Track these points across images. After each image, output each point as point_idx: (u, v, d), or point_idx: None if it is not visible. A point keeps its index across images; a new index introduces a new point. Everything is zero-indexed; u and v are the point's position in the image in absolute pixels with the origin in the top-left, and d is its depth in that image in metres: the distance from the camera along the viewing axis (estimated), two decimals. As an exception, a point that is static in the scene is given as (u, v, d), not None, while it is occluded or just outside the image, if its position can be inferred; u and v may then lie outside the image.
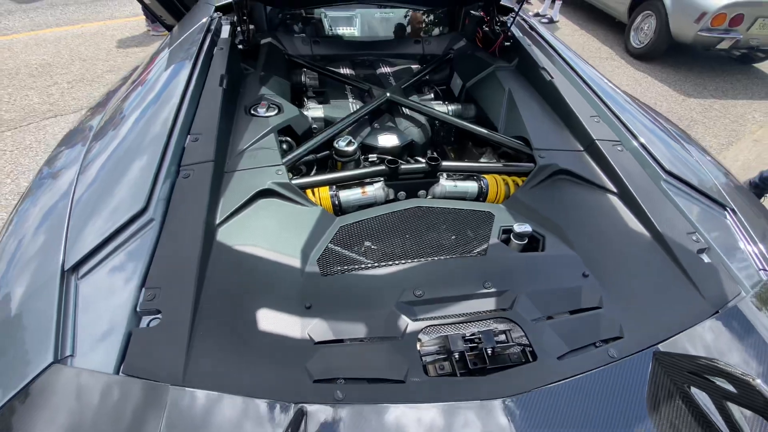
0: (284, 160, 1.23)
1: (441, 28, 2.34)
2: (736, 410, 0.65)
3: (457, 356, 0.81)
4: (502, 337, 0.85)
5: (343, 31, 2.22)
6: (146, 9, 2.47)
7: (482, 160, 1.63)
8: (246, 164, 1.18)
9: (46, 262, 0.85)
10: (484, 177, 1.35)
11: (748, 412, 0.64)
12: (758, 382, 0.59)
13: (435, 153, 1.89)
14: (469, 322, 0.87)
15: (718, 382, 0.65)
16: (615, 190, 1.20)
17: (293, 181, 1.19)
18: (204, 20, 1.76)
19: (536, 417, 0.70)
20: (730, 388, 0.63)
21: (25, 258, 0.87)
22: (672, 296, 0.92)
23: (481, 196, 1.34)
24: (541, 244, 1.07)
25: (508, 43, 1.86)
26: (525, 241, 1.07)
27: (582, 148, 1.36)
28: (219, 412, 0.66)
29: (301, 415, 0.63)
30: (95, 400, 0.65)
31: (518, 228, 1.08)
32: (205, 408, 0.66)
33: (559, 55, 1.73)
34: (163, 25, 2.63)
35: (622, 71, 4.89)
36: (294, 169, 1.40)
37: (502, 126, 1.54)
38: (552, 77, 1.58)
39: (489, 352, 0.82)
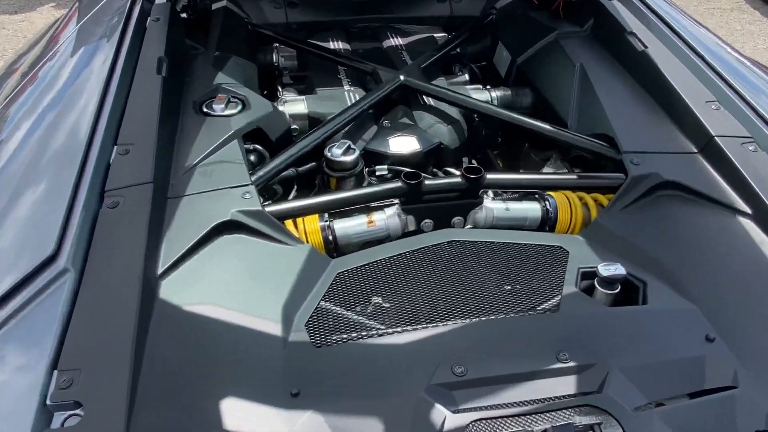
0: (254, 179, 1.29)
1: None
2: None
3: None
4: None
5: None
6: None
7: (546, 169, 1.69)
8: (199, 186, 1.24)
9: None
10: (549, 195, 1.40)
11: None
12: None
13: (475, 161, 1.94)
14: (538, 413, 0.89)
15: None
16: (747, 209, 1.24)
17: (267, 209, 1.24)
18: None
19: None
20: None
21: None
22: None
23: (547, 222, 1.38)
24: (641, 294, 1.10)
25: None
26: (617, 290, 1.10)
27: (695, 150, 1.40)
28: None
29: None
30: None
31: (605, 270, 1.10)
32: None
33: (655, 12, 1.82)
34: None
35: (758, 28, 4.98)
36: (268, 190, 1.47)
37: (574, 119, 1.61)
38: (646, 46, 1.64)
39: None
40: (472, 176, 1.36)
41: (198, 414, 0.88)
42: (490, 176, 1.39)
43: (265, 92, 1.94)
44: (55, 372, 0.87)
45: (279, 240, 1.18)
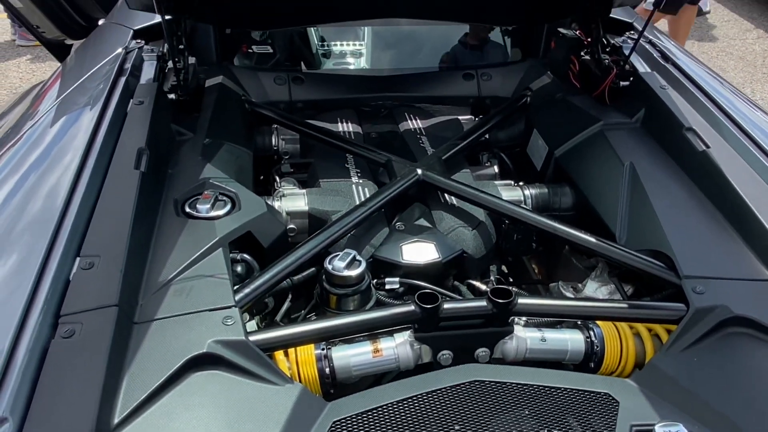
0: (238, 298, 1.28)
1: (509, 52, 2.52)
2: None
3: None
4: None
5: (344, 48, 2.42)
6: (14, 15, 2.74)
7: (590, 282, 1.67)
8: (173, 307, 1.23)
9: None
10: (595, 324, 1.39)
11: None
12: None
13: (505, 267, 1.95)
14: None
15: None
16: None
17: (253, 337, 1.22)
18: (115, 52, 1.96)
19: None
20: None
21: None
22: None
23: (592, 358, 1.37)
24: None
25: (625, 83, 1.97)
26: None
27: None
28: None
29: None
30: None
31: None
32: None
33: (716, 103, 1.83)
34: (41, 41, 2.90)
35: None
36: (257, 302, 1.45)
37: (624, 230, 1.59)
38: (707, 145, 1.65)
39: None
40: (501, 301, 1.33)
41: None
42: (522, 301, 1.37)
43: (260, 186, 1.96)
44: None
45: (264, 378, 1.15)
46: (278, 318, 1.55)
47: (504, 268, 1.95)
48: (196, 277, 1.31)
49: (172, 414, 1.07)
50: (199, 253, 1.36)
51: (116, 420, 1.03)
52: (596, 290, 1.64)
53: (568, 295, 1.66)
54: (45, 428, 0.98)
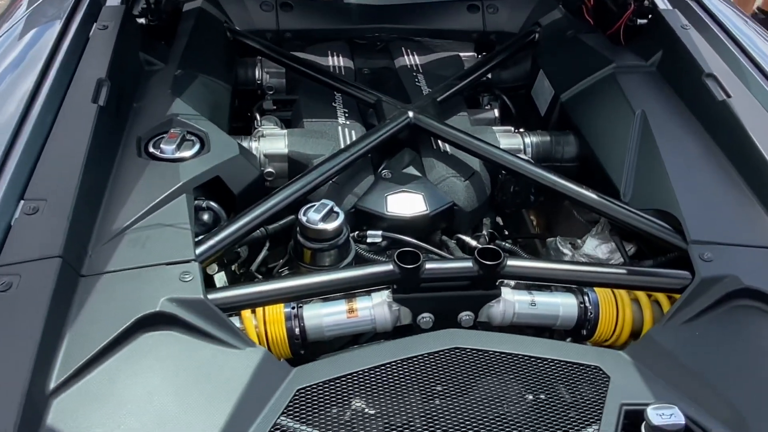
0: (199, 251, 1.23)
1: None
2: None
3: None
4: None
5: None
6: None
7: (590, 239, 1.61)
8: (125, 260, 1.18)
9: None
10: (590, 288, 1.35)
11: None
12: None
13: (501, 219, 1.88)
14: None
15: None
16: None
17: (213, 295, 1.17)
18: None
19: None
20: None
21: None
22: None
23: (585, 325, 1.33)
24: None
25: (643, 21, 1.88)
26: None
27: None
28: None
29: None
30: None
31: (658, 416, 0.99)
32: None
33: (742, 48, 1.72)
34: None
35: None
36: (228, 251, 1.40)
37: (629, 187, 1.52)
38: (729, 94, 1.56)
39: None
40: (488, 263, 1.27)
41: None
42: (512, 263, 1.30)
43: (241, 121, 1.89)
44: None
45: (223, 341, 1.09)
46: (253, 268, 1.51)
47: (499, 220, 1.89)
48: (154, 226, 1.25)
49: (116, 379, 1.02)
50: (159, 199, 1.30)
51: (52, 385, 0.98)
52: (596, 248, 1.59)
53: (566, 251, 1.61)
54: None
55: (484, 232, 1.70)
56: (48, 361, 1.00)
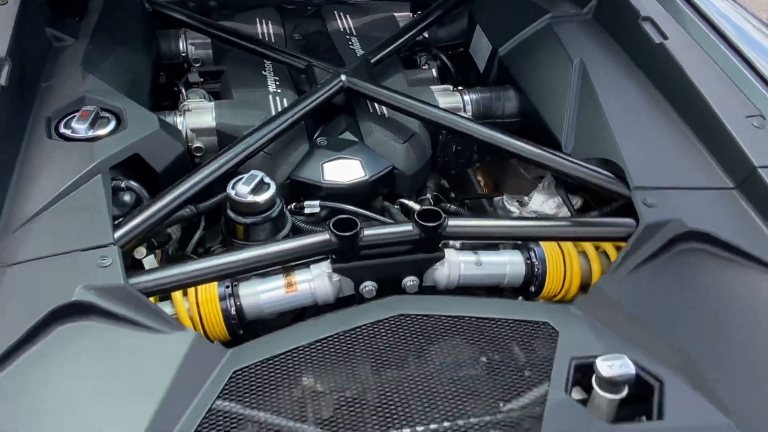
0: (119, 234, 1.19)
1: None
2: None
3: None
4: None
5: None
6: None
7: (536, 195, 1.63)
8: (37, 248, 1.15)
9: None
10: (536, 243, 1.37)
11: None
12: None
13: (446, 181, 1.89)
14: None
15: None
16: None
17: (135, 279, 1.15)
18: None
19: None
20: None
21: None
22: None
23: (533, 282, 1.35)
24: (655, 399, 1.02)
25: None
26: (623, 394, 1.01)
27: (731, 185, 1.36)
28: None
29: None
30: None
31: (608, 366, 1.00)
32: None
33: None
34: None
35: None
36: (158, 234, 1.38)
37: (570, 138, 1.54)
38: (665, 36, 1.58)
39: None
40: (428, 224, 1.26)
41: None
42: (454, 223, 1.30)
43: (165, 98, 1.84)
44: None
45: (149, 327, 1.07)
46: (189, 250, 1.49)
47: (445, 183, 1.90)
48: (68, 210, 1.22)
49: (31, 376, 1.00)
50: (72, 181, 1.26)
51: None
52: (542, 204, 1.62)
53: (513, 209, 1.63)
54: None
55: (428, 195, 1.70)
56: None
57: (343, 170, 1.55)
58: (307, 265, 1.30)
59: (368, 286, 1.29)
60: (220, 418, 0.95)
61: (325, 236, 1.25)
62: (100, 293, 1.07)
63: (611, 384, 0.99)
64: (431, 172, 1.75)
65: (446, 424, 0.97)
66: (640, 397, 1.03)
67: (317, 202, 1.50)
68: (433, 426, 0.97)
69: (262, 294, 1.24)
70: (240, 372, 1.01)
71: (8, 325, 1.02)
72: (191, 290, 1.22)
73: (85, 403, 0.96)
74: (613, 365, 1.00)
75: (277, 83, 1.79)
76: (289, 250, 1.26)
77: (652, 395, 1.02)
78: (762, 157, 1.32)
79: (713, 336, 1.12)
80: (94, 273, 1.10)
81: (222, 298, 1.21)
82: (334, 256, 1.27)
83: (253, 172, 1.38)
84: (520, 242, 1.39)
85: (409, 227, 1.28)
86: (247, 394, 0.99)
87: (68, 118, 1.41)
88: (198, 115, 1.64)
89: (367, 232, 1.26)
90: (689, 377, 1.03)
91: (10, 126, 1.33)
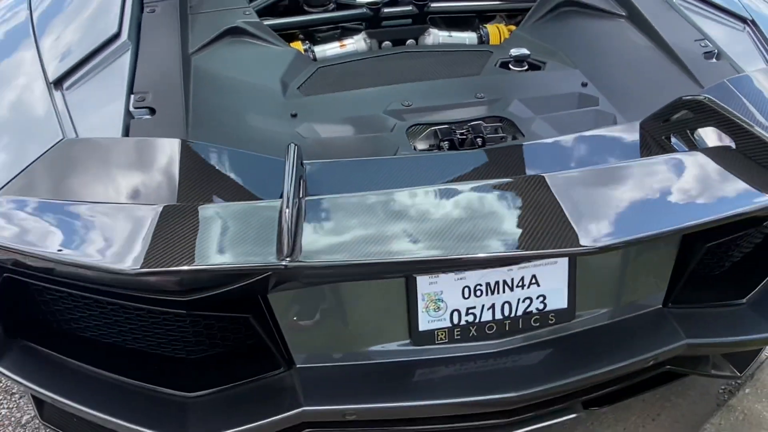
0: (252, 3, 1.99)
1: None
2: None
3: (447, 144, 1.54)
4: (496, 133, 1.55)
5: None
6: None
7: None
8: (211, 6, 1.95)
9: (29, 76, 1.56)
10: (484, 26, 2.15)
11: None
12: None
13: None
14: (460, 122, 1.60)
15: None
16: (623, 13, 1.94)
17: (265, 22, 1.96)
18: None
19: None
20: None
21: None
22: (671, 91, 1.45)
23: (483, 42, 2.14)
24: (542, 69, 1.81)
25: None
26: (524, 68, 1.81)
27: None
28: (228, 162, 1.36)
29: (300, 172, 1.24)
30: (113, 160, 1.33)
31: (515, 51, 1.79)
32: (216, 158, 1.35)
33: None
34: None
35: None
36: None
37: None
38: None
39: (480, 142, 1.54)
40: (419, 2, 2.09)
41: (230, 123, 1.56)
42: (435, 5, 2.13)
43: None
44: (132, 95, 1.51)
45: (274, 43, 1.89)
46: None
47: None
48: None
49: (222, 52, 1.83)
50: None
51: (190, 51, 1.78)
52: None
53: None
54: (152, 47, 1.70)
55: None
56: (185, 41, 1.76)
57: None
58: (350, 35, 2.10)
59: (387, 44, 2.10)
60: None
61: (362, 10, 2.08)
62: (248, 24, 1.88)
63: (518, 60, 1.80)
64: None
65: (432, 80, 1.87)
66: None
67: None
68: None
69: (327, 51, 2.04)
70: (322, 69, 1.85)
71: (202, 34, 1.83)
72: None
73: (250, 68, 1.78)
74: (518, 51, 1.80)
75: None
76: (342, 15, 2.10)
77: (540, 68, 1.82)
78: None
79: (577, 45, 1.85)
80: (243, 17, 1.92)
81: (305, 52, 1.99)
82: (366, 24, 2.09)
83: None
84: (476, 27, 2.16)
85: (409, 7, 2.10)
86: (325, 77, 1.82)
87: None
88: None
89: (385, 9, 2.08)
90: (561, 61, 1.81)
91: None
